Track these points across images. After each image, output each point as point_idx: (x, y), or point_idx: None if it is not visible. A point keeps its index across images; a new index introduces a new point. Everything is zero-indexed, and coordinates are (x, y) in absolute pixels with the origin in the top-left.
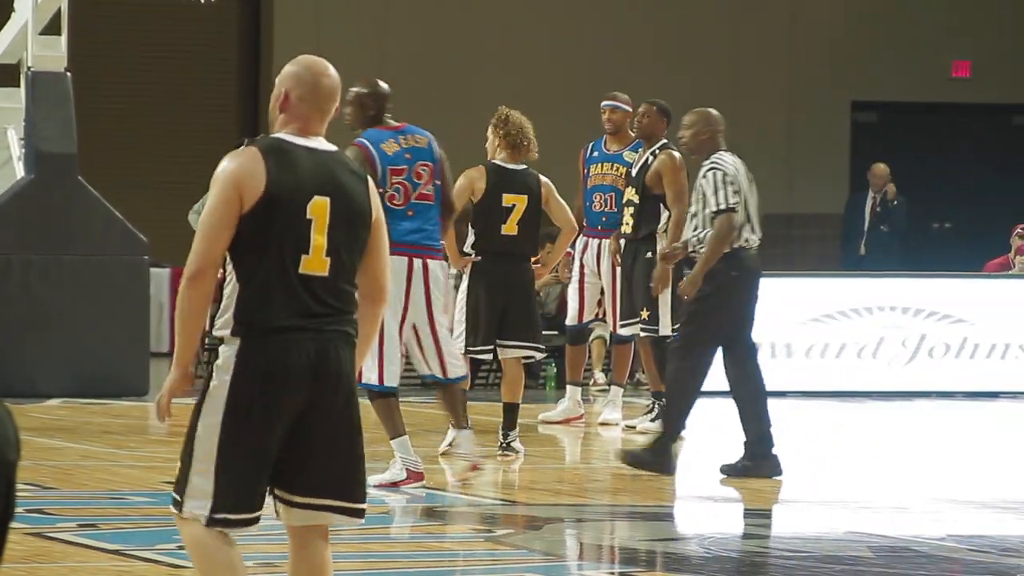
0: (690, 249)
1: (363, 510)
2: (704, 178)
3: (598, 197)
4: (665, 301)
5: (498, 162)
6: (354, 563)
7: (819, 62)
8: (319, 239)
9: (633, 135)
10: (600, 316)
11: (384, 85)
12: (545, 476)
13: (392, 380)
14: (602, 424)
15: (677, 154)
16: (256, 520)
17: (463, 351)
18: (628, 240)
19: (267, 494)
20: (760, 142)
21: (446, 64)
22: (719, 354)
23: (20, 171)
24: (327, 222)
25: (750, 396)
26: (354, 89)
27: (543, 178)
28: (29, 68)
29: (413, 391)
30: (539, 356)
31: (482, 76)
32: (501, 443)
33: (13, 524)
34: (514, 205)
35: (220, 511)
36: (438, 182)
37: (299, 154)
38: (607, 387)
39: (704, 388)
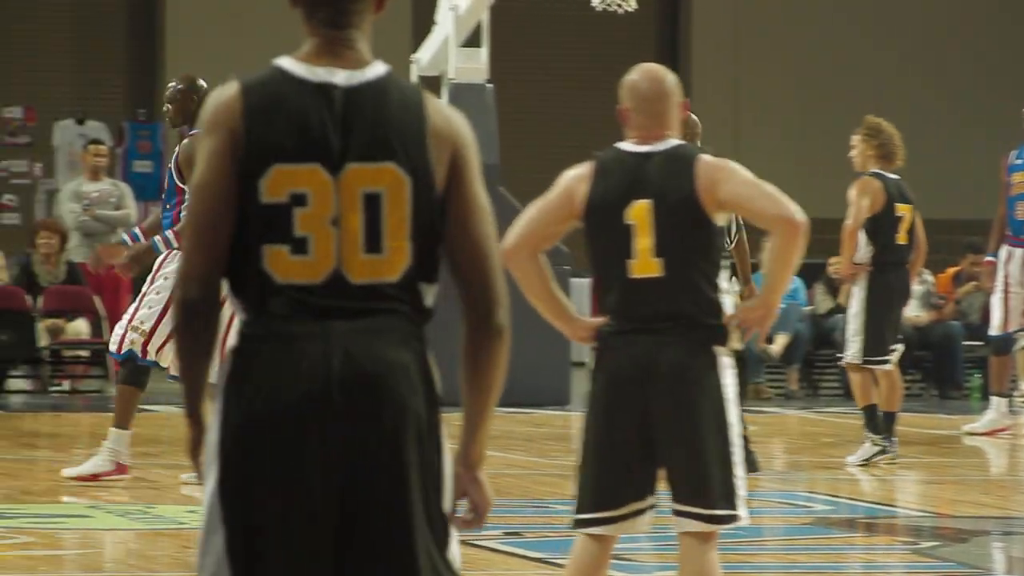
0: None
1: (715, 516)
2: None
3: (1021, 205)
4: None
5: (882, 172)
6: (779, 574)
7: None
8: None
9: None
10: None
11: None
12: (971, 488)
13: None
14: None
15: None
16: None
17: (861, 361)
18: None
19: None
20: None
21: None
22: None
23: None
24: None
25: None
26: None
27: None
28: (451, 80)
29: None
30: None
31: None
32: (885, 448)
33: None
34: (903, 215)
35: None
36: None
37: (627, 161)
38: None
39: None
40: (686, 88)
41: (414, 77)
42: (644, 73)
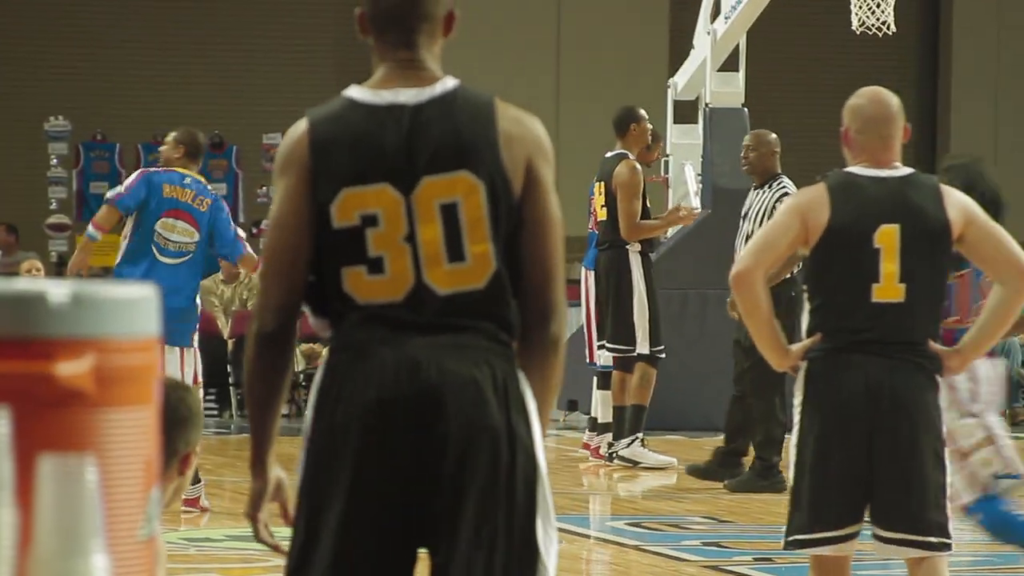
0: None
1: (930, 543)
2: None
3: None
4: None
5: None
6: None
7: None
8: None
9: None
10: None
11: None
12: None
13: None
14: None
15: None
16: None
17: None
18: None
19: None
20: None
21: None
22: None
23: (696, 204)
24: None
25: None
26: None
27: None
28: (707, 104)
29: None
30: None
31: None
32: None
33: (688, 556)
34: None
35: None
36: None
37: (866, 185)
38: None
39: None
40: (947, 109)
41: (670, 102)
42: (870, 96)
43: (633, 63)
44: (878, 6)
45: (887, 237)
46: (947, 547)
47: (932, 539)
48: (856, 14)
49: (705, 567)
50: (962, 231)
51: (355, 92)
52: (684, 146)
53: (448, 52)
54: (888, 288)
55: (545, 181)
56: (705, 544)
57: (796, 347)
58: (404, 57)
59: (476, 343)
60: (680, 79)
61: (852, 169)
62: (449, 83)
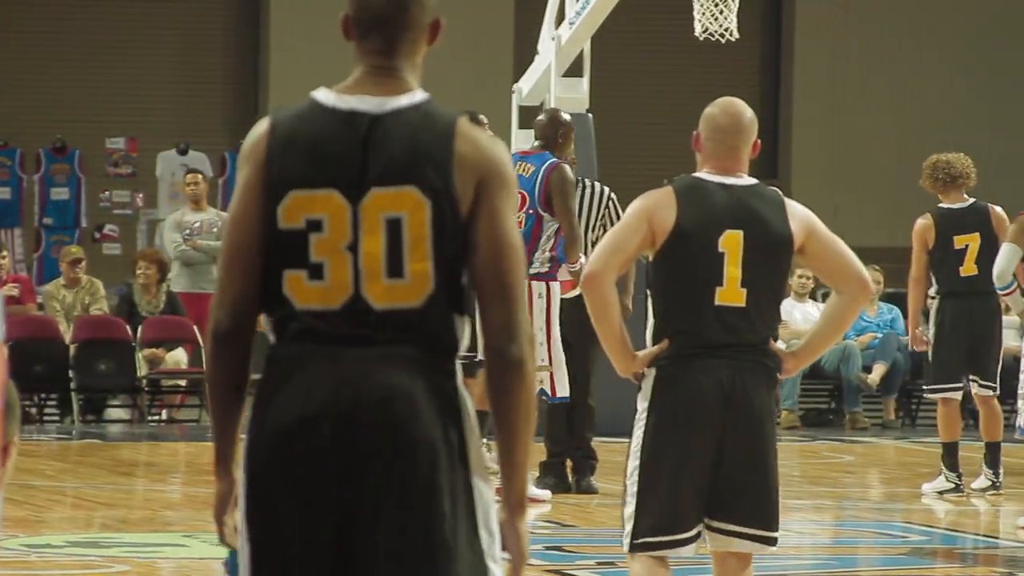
0: None
1: (768, 537)
2: None
3: None
4: None
5: (946, 205)
6: None
7: None
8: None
9: None
10: None
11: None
12: None
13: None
14: None
15: None
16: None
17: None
18: None
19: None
20: None
21: None
22: None
23: None
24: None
25: None
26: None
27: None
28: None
29: None
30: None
31: None
32: (995, 483)
33: (531, 560)
34: (967, 245)
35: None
36: (531, 211)
37: (712, 190)
38: None
39: None
40: (788, 112)
41: (514, 107)
42: (724, 107)
43: (478, 68)
44: (721, 12)
45: (731, 242)
46: (776, 541)
47: (771, 533)
48: (699, 20)
49: (548, 572)
50: (803, 242)
51: (321, 95)
52: None
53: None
54: (731, 292)
55: (499, 206)
56: (548, 548)
57: (643, 353)
58: (380, 64)
59: (410, 357)
60: (525, 84)
61: (699, 174)
62: (417, 96)
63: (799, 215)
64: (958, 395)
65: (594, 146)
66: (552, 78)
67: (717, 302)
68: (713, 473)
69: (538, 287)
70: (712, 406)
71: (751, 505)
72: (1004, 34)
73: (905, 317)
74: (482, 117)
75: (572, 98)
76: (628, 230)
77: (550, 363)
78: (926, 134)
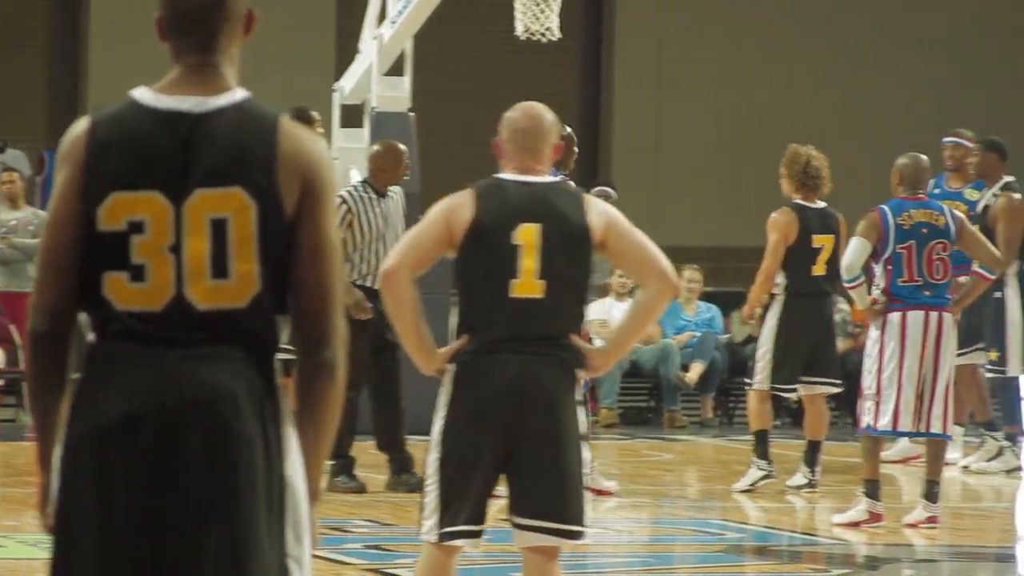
0: None
1: (571, 531)
2: None
3: None
4: (1016, 340)
5: (802, 202)
6: None
7: None
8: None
9: (972, 173)
10: None
11: None
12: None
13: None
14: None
15: (1017, 196)
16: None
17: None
18: None
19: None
20: None
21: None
22: None
23: None
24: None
25: None
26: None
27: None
28: (373, 109)
29: None
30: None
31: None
32: (811, 480)
33: (351, 560)
34: (822, 246)
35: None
36: None
37: (510, 188)
38: None
39: None
40: (609, 113)
41: (336, 106)
42: (524, 110)
43: (299, 66)
44: (542, 12)
45: (527, 235)
46: (582, 535)
47: (574, 528)
48: (520, 20)
49: (367, 570)
50: (603, 236)
51: (140, 94)
52: (350, 150)
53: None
54: (527, 284)
55: (320, 207)
56: (367, 547)
57: (443, 350)
58: (199, 62)
59: (232, 356)
60: (346, 83)
61: (500, 175)
62: (237, 95)
63: (598, 209)
64: (791, 395)
65: (416, 146)
66: (374, 77)
67: (512, 294)
68: (511, 467)
69: None
70: (505, 399)
71: (549, 499)
72: (824, 30)
73: (725, 315)
74: (314, 114)
75: (394, 97)
76: (425, 228)
77: None
78: (747, 136)
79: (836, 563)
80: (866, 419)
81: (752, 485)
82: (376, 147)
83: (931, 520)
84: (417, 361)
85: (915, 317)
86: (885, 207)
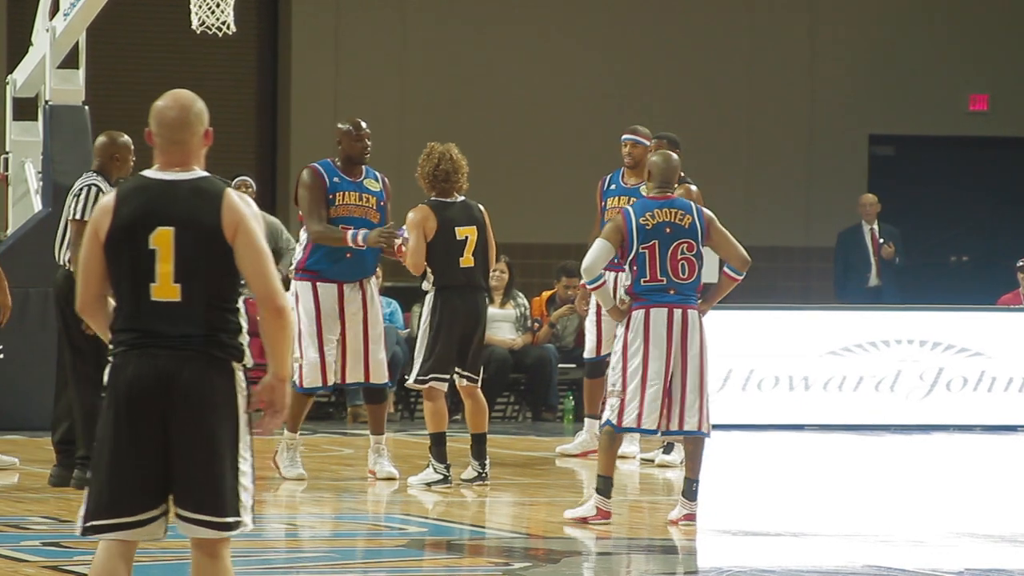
0: None
1: (225, 524)
2: None
3: None
4: None
5: (440, 198)
6: None
7: (837, 97)
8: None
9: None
10: None
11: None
12: (563, 509)
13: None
14: (619, 457)
15: (694, 188)
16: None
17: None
18: None
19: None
20: (779, 176)
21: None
22: None
23: (38, 204)
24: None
25: None
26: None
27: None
28: (47, 102)
29: None
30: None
31: (500, 118)
32: (481, 473)
33: (28, 557)
34: (466, 237)
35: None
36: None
37: (151, 188)
38: None
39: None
40: (288, 104)
41: (9, 99)
42: (171, 99)
43: None
44: (218, 6)
45: (162, 239)
46: (240, 525)
47: (224, 519)
48: (196, 14)
49: (45, 567)
50: (232, 237)
51: (148, 172)
52: (24, 143)
53: None
54: (164, 288)
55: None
56: (45, 544)
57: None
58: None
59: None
60: (19, 76)
61: (146, 172)
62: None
63: (233, 207)
64: (444, 386)
65: (91, 139)
66: (47, 70)
67: (153, 298)
68: (166, 461)
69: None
70: (150, 395)
71: (201, 492)
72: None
73: (406, 310)
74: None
75: (68, 89)
76: (88, 250)
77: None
78: (427, 127)
79: (517, 556)
80: (608, 415)
81: (428, 486)
82: (101, 138)
83: (688, 517)
84: None
85: (658, 314)
86: (629, 208)
